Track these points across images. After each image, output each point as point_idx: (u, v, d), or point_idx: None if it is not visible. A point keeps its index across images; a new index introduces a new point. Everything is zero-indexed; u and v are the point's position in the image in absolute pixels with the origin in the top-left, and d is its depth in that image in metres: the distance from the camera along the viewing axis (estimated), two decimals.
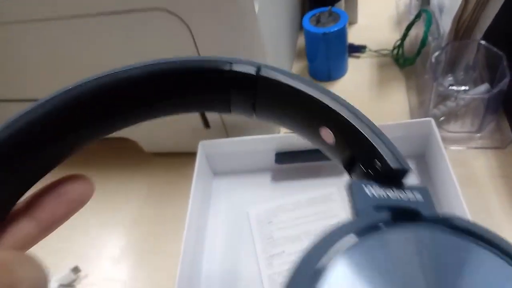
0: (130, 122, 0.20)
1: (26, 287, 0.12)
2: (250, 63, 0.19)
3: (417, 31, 0.60)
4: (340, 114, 0.18)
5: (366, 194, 0.15)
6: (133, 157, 0.59)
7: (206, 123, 0.50)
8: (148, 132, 0.53)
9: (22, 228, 0.16)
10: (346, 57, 0.61)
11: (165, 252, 0.47)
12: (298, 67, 0.64)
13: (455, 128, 0.52)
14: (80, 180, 0.17)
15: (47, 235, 0.17)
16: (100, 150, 0.57)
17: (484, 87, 0.51)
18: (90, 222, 0.52)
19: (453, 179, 0.40)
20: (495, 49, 0.48)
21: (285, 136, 0.48)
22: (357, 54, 0.64)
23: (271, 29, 0.48)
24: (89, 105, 0.18)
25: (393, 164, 0.16)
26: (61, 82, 0.18)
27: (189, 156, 0.50)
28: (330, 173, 0.50)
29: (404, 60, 0.60)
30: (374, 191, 0.15)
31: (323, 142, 0.19)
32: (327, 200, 0.48)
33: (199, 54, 0.44)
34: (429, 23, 0.53)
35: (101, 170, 0.57)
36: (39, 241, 0.17)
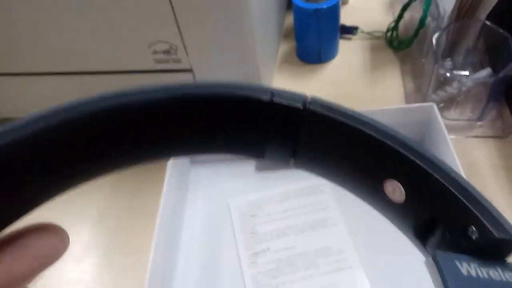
0: (118, 166, 0.16)
1: None
2: (293, 94, 0.15)
3: (411, 14, 0.56)
4: (419, 164, 0.14)
5: (461, 272, 0.12)
6: None
7: None
8: None
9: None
10: (338, 37, 0.56)
11: (134, 250, 0.42)
12: (285, 48, 0.59)
13: (454, 115, 0.48)
14: (50, 231, 0.14)
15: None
16: None
17: (486, 71, 0.47)
18: (47, 215, 0.46)
19: (460, 170, 0.36)
20: (500, 30, 0.44)
21: None
22: (348, 36, 0.59)
23: (259, 5, 0.43)
24: (87, 131, 0.14)
25: (498, 233, 0.12)
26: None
27: None
28: None
29: (398, 42, 0.56)
30: (471, 268, 0.12)
31: (386, 199, 0.15)
32: (316, 192, 0.43)
33: (180, 31, 0.39)
34: (428, 1, 0.49)
35: None
36: None
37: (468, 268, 0.12)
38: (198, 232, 0.41)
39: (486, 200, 0.13)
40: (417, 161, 0.14)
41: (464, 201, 0.13)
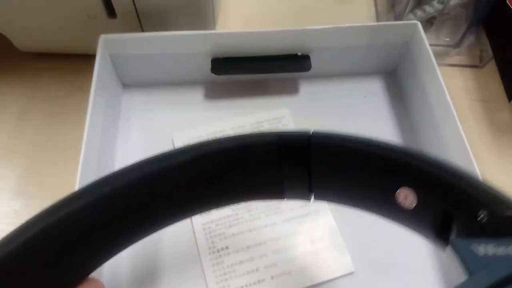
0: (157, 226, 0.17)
1: None
2: (297, 133, 0.16)
3: None
4: (423, 167, 0.15)
5: (478, 254, 0.12)
6: (1, 59, 0.41)
7: (110, 9, 0.34)
8: (20, 19, 0.35)
9: None
10: None
11: (52, 195, 0.33)
12: None
13: (430, 40, 0.43)
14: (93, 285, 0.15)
15: None
16: None
17: None
18: None
19: (448, 100, 0.31)
20: None
21: (226, 34, 0.34)
22: None
23: None
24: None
25: (505, 211, 0.13)
26: None
27: (87, 59, 0.34)
28: (281, 89, 0.39)
29: None
30: (488, 248, 0.12)
31: (398, 208, 0.16)
32: (277, 124, 0.36)
33: None
34: None
35: None
36: None
37: (485, 248, 0.12)
38: None
39: (490, 185, 0.14)
40: (423, 165, 0.15)
41: (471, 191, 0.14)
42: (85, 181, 0.27)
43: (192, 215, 0.18)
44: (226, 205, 0.18)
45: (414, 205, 0.16)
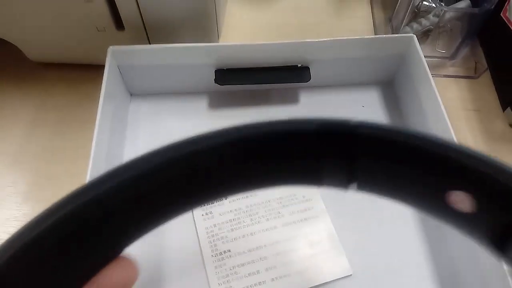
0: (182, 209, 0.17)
1: None
2: (340, 121, 0.16)
3: None
4: (483, 171, 0.13)
5: None
6: (13, 69, 0.42)
7: (118, 22, 0.36)
8: (32, 31, 0.37)
9: None
10: None
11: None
12: None
13: (425, 52, 0.44)
14: (124, 263, 0.16)
15: None
16: None
17: (463, 3, 0.43)
18: None
19: (443, 110, 0.32)
20: None
21: (229, 46, 0.36)
22: None
23: None
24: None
25: None
26: None
27: (96, 69, 0.36)
28: (283, 99, 0.40)
29: None
30: None
31: (451, 210, 0.15)
32: None
33: None
34: None
35: None
36: None
37: None
38: None
39: None
40: (481, 169, 0.13)
41: None
42: None
43: (222, 196, 0.18)
44: (261, 187, 0.18)
45: (470, 210, 0.14)
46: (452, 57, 0.43)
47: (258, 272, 0.30)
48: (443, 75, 0.44)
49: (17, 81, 0.42)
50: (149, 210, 0.16)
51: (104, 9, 0.34)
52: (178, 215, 0.17)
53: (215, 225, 0.32)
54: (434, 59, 0.44)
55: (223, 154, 0.15)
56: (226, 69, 0.37)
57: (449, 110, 0.41)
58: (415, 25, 0.43)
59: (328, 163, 0.16)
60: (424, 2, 0.42)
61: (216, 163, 0.16)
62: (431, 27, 0.43)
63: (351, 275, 0.30)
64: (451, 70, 0.44)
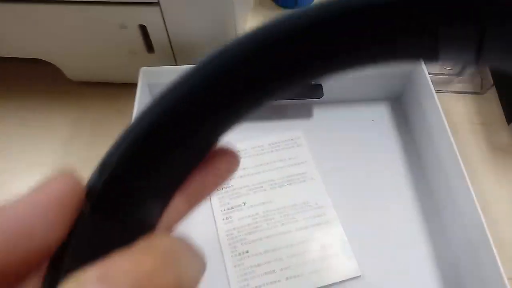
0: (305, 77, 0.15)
1: (192, 283, 0.10)
2: None
3: None
4: None
5: None
6: (53, 87, 0.47)
7: (149, 45, 0.40)
8: (72, 53, 0.42)
9: (174, 203, 0.15)
10: None
11: None
12: None
13: (434, 69, 0.47)
14: (228, 153, 0.17)
15: (192, 212, 0.16)
16: (8, 74, 0.44)
17: None
18: None
19: (446, 127, 0.35)
20: None
21: None
22: None
23: None
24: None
25: None
26: None
27: (127, 87, 0.40)
28: (297, 114, 0.43)
29: None
30: None
31: None
32: (293, 145, 0.41)
33: None
34: None
35: (8, 101, 0.45)
36: (184, 219, 0.16)
37: None
38: None
39: None
40: None
41: None
42: None
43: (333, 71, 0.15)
44: (371, 63, 0.15)
45: None
46: (459, 74, 0.46)
47: (273, 271, 0.33)
48: (451, 91, 0.46)
49: (56, 98, 0.46)
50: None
51: (137, 34, 0.38)
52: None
53: (234, 229, 0.35)
54: (442, 76, 0.46)
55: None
56: None
57: (456, 124, 0.44)
58: None
59: (449, 33, 0.13)
60: None
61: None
62: None
63: (360, 276, 0.33)
64: (458, 87, 0.46)
